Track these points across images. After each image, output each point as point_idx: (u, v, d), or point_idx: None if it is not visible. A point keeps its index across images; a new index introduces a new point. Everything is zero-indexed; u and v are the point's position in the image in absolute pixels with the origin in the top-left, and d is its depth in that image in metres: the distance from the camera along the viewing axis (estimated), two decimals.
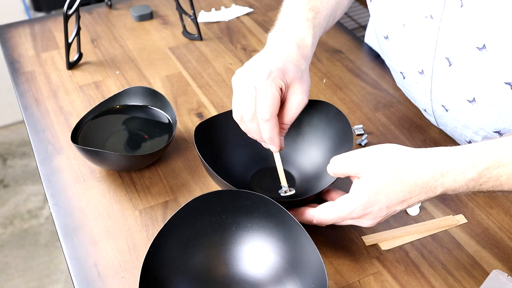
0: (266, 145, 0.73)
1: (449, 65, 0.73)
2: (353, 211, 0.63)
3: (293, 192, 0.74)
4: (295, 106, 0.71)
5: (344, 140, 0.76)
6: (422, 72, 0.79)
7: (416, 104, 0.88)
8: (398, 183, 0.61)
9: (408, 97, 0.90)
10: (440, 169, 0.60)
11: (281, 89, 0.69)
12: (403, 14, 0.77)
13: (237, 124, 0.73)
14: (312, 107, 0.80)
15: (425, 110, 0.85)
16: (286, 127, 0.73)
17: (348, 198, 0.64)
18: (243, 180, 0.79)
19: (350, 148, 0.73)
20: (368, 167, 0.63)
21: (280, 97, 0.69)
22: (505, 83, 0.68)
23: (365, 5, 2.78)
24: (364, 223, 0.65)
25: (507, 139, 0.60)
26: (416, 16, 0.75)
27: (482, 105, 0.73)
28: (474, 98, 0.73)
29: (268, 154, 0.76)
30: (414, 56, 0.79)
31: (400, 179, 0.61)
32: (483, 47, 0.67)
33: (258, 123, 0.70)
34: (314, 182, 0.78)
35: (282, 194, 0.73)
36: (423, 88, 0.80)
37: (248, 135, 0.74)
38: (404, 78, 0.86)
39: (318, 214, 0.67)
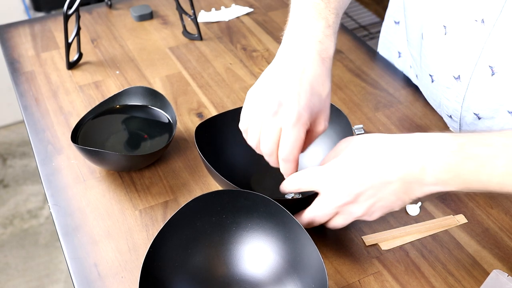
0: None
1: (492, 74, 0.70)
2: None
3: (299, 197, 0.73)
4: (317, 134, 0.69)
5: None
6: (458, 78, 0.75)
7: (439, 110, 0.86)
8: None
9: (431, 101, 0.88)
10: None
11: (307, 129, 0.66)
12: (445, 15, 0.74)
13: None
14: None
15: (450, 117, 0.82)
16: (305, 149, 0.70)
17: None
18: (244, 179, 0.79)
19: None
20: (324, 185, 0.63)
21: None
22: None
23: (365, 5, 2.78)
24: (356, 212, 0.64)
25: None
26: (463, 19, 0.71)
27: None
28: None
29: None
30: (452, 60, 0.75)
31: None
32: None
33: (277, 157, 0.67)
34: None
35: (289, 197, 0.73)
36: (455, 94, 0.78)
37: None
38: (432, 82, 0.82)
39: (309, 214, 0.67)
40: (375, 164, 0.60)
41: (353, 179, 0.61)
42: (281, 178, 0.74)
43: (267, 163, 0.81)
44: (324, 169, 0.64)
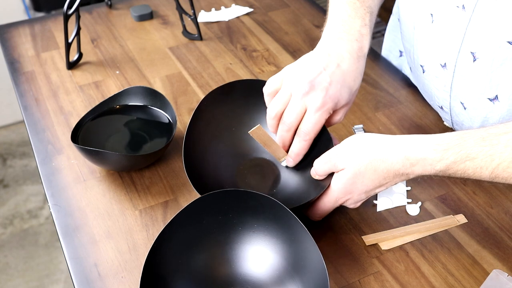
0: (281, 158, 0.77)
1: (473, 60, 0.72)
2: (337, 200, 0.69)
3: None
4: (331, 124, 0.75)
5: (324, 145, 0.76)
6: (444, 66, 0.78)
7: (432, 102, 0.87)
8: (372, 172, 0.65)
9: (425, 94, 0.89)
10: (410, 159, 0.63)
11: (328, 116, 0.72)
12: (432, 3, 0.76)
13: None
14: None
15: (441, 108, 0.84)
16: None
17: (330, 192, 0.69)
18: (229, 173, 0.78)
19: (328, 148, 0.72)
20: (343, 160, 0.66)
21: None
22: None
23: None
24: (349, 205, 0.70)
25: (478, 132, 0.61)
26: (446, 6, 0.74)
27: (503, 104, 0.72)
28: (496, 96, 0.72)
29: (250, 148, 0.79)
30: (439, 48, 0.78)
31: (373, 168, 0.65)
32: None
33: (292, 135, 0.72)
34: (308, 189, 0.76)
35: (285, 164, 0.77)
36: (443, 83, 0.79)
37: (271, 130, 0.75)
38: (423, 72, 0.84)
39: (317, 210, 0.71)
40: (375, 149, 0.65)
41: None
42: (265, 173, 0.76)
43: (251, 159, 0.80)
44: (341, 146, 0.68)
